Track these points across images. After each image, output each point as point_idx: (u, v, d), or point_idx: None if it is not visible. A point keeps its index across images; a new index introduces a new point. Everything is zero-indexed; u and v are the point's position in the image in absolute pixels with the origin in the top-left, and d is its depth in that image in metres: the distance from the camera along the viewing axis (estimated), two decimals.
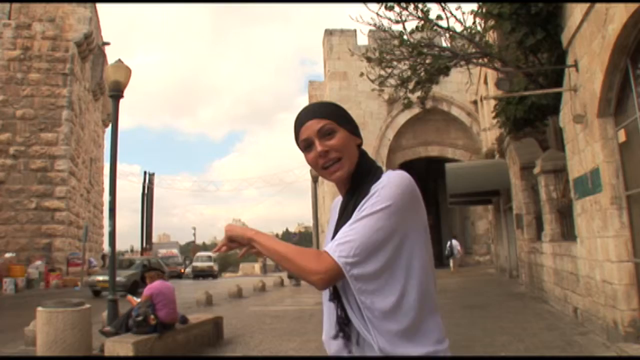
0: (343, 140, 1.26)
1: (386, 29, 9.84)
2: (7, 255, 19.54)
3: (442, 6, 9.17)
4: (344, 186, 1.31)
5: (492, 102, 11.83)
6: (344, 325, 1.21)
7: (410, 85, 10.32)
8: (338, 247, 1.13)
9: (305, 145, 1.28)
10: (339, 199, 1.39)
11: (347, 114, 1.33)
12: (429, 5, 9.26)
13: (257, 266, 41.19)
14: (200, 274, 29.39)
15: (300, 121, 1.30)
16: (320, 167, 1.27)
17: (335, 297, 1.24)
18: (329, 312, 1.29)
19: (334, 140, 1.25)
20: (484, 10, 8.65)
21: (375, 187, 1.20)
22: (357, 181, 1.28)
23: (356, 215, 1.17)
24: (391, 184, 1.19)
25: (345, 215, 1.25)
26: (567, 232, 8.33)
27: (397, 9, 9.20)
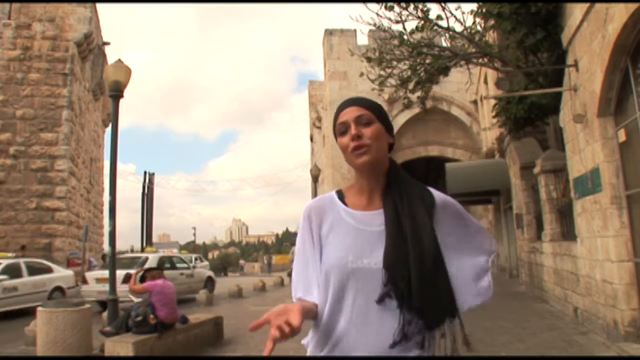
0: (377, 131, 1.32)
1: (386, 29, 9.83)
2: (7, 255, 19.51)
3: (442, 6, 9.16)
4: (367, 176, 1.35)
5: (492, 102, 11.82)
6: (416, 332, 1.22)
7: (410, 85, 10.30)
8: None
9: (341, 130, 1.34)
10: (317, 203, 1.39)
11: (386, 113, 1.41)
12: (429, 5, 9.26)
13: (257, 266, 41.63)
14: None
15: (341, 107, 1.38)
16: (350, 150, 1.31)
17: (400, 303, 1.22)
18: (379, 321, 1.23)
19: (369, 129, 1.31)
20: (483, 10, 8.64)
21: (447, 200, 1.38)
22: (395, 180, 1.34)
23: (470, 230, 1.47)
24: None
25: (395, 207, 1.30)
26: (567, 232, 8.32)
27: (397, 9, 9.20)
